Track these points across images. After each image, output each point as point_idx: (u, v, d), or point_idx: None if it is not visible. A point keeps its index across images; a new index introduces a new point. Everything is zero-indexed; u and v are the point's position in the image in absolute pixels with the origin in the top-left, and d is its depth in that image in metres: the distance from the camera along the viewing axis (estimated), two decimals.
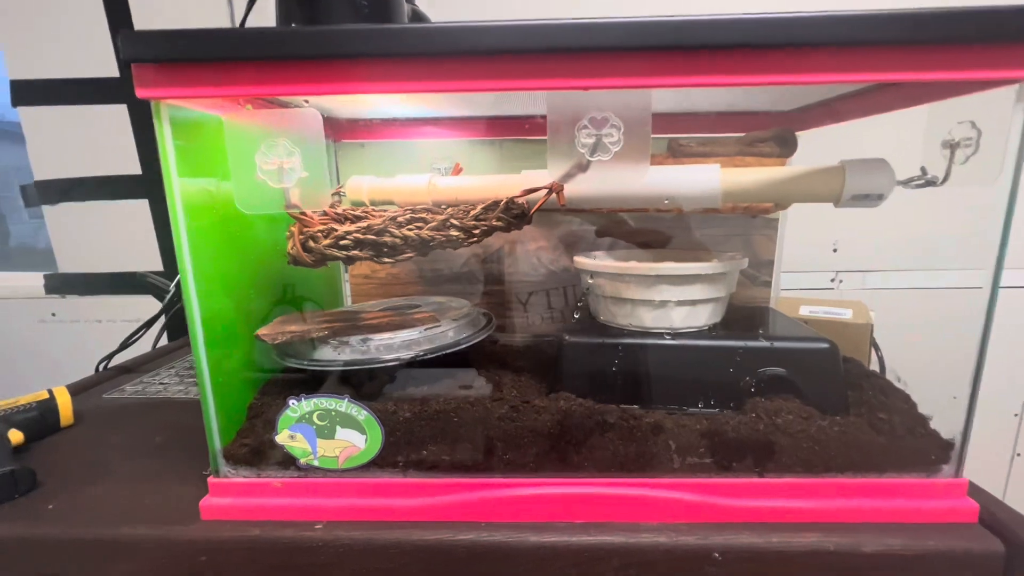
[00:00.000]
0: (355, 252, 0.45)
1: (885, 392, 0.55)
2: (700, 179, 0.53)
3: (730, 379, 0.55)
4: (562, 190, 0.47)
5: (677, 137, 0.74)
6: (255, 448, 0.50)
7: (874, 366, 0.80)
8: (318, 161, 0.43)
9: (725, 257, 0.61)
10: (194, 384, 0.82)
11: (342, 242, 0.45)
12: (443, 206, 0.55)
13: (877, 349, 0.82)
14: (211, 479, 0.50)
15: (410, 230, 0.46)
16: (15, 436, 0.62)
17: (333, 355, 0.52)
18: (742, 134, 0.75)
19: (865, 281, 1.27)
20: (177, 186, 0.44)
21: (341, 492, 0.49)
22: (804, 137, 0.73)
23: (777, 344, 0.55)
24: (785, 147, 0.73)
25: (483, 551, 0.46)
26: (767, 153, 0.70)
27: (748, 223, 0.82)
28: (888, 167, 0.49)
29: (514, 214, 0.50)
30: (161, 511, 0.50)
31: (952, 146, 0.47)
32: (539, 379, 0.61)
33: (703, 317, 0.58)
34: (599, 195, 0.53)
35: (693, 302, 0.57)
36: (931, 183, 0.49)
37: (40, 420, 0.65)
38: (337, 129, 0.78)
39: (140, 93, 0.41)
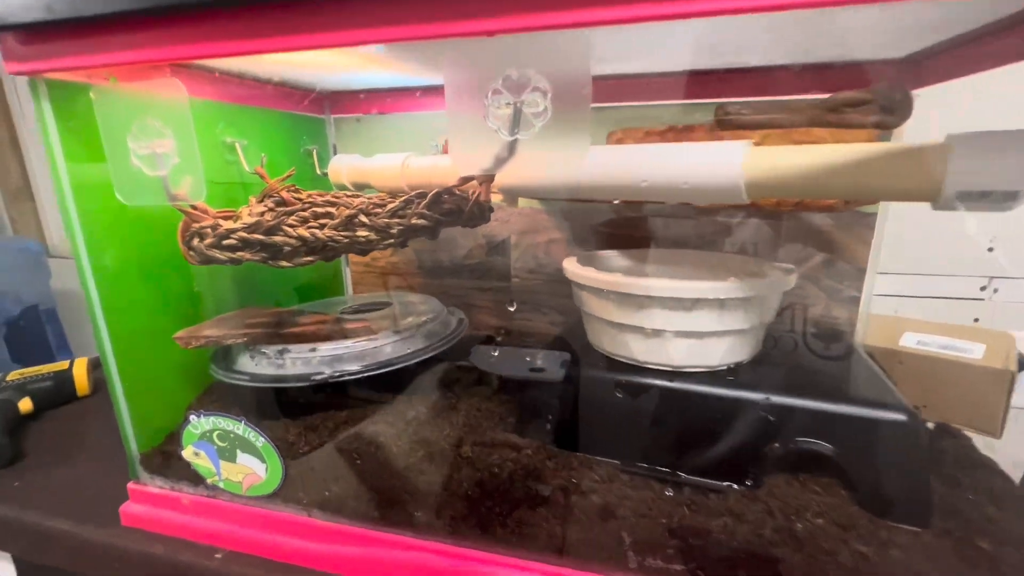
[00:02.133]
0: (241, 254, 0.38)
1: (1000, 500, 0.35)
2: (711, 163, 0.37)
3: (745, 447, 0.40)
4: (487, 181, 0.34)
5: (726, 102, 0.56)
6: (169, 458, 0.46)
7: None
8: (187, 143, 0.36)
9: (758, 273, 0.43)
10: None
11: (226, 242, 0.37)
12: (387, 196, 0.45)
13: None
14: (130, 485, 0.48)
15: (307, 230, 0.38)
16: (25, 405, 0.66)
17: (250, 366, 0.45)
18: (826, 95, 0.54)
19: None
20: (63, 167, 0.39)
21: (244, 521, 0.44)
22: (925, 97, 0.51)
23: (820, 406, 0.38)
24: (892, 112, 0.51)
25: None
26: (856, 124, 0.50)
27: (835, 220, 0.61)
28: None
29: (445, 210, 0.38)
30: (97, 508, 0.49)
31: None
32: (514, 411, 0.50)
33: (716, 354, 0.42)
34: (543, 184, 0.39)
35: (700, 334, 0.41)
36: None
37: (54, 390, 0.70)
38: (332, 103, 0.72)
39: (11, 68, 0.37)
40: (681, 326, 0.41)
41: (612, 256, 0.58)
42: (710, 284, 0.39)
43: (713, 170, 0.37)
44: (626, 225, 0.65)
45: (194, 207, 0.39)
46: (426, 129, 0.73)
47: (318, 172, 0.70)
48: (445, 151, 0.64)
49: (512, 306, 0.58)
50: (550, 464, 0.40)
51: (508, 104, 0.29)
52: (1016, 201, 0.29)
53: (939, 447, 0.43)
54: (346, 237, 0.38)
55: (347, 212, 0.38)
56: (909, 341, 0.61)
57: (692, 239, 0.63)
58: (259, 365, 0.45)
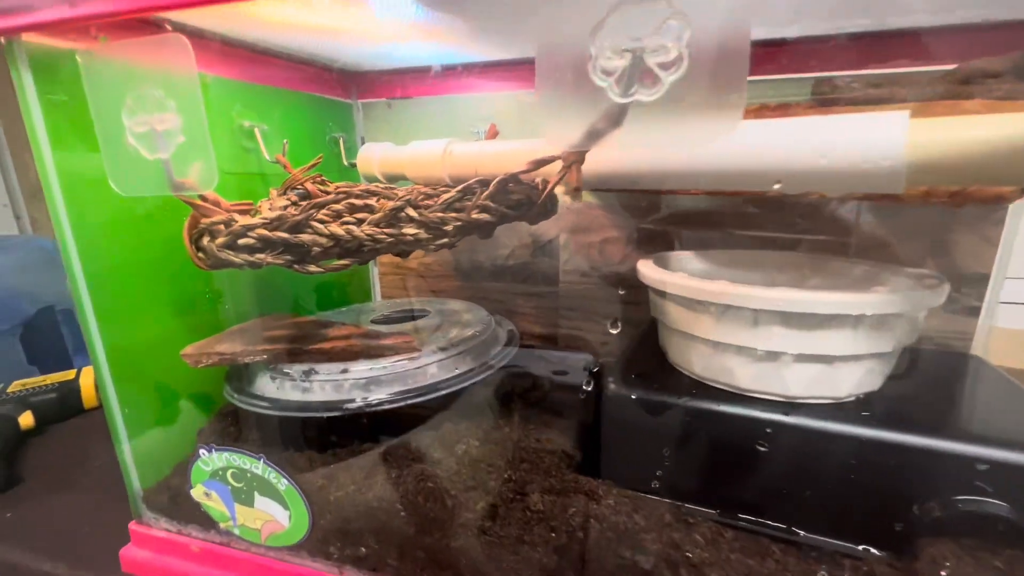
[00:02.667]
0: (261, 256, 0.30)
1: None
2: (862, 139, 0.29)
3: (888, 503, 0.31)
4: (578, 162, 0.26)
5: (832, 76, 0.47)
6: (177, 495, 0.39)
7: None
8: (194, 119, 0.28)
9: (907, 283, 0.35)
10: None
11: (242, 241, 0.30)
12: (439, 187, 0.37)
13: None
14: (132, 525, 0.41)
15: (342, 226, 0.30)
16: (26, 420, 0.60)
17: (272, 390, 0.38)
18: (953, 66, 0.45)
19: None
20: (47, 148, 0.32)
21: (263, 575, 0.37)
22: None
23: (989, 452, 0.29)
24: None
25: None
26: (1003, 96, 0.40)
27: (949, 214, 0.51)
28: None
29: (513, 201, 0.31)
30: (96, 549, 0.42)
31: None
32: (576, 444, 0.42)
33: (847, 383, 0.34)
34: (649, 168, 0.31)
35: (830, 358, 0.33)
36: None
37: (59, 402, 0.64)
38: (360, 85, 0.64)
39: None
40: (806, 348, 0.32)
41: (689, 258, 0.50)
42: (853, 297, 0.30)
43: (864, 149, 0.29)
44: (698, 220, 0.57)
45: (203, 198, 0.32)
46: (466, 114, 0.65)
47: (345, 163, 0.63)
48: (490, 136, 0.56)
49: (616, 327, 0.50)
50: (639, 519, 0.32)
51: (625, 51, 0.21)
52: None
53: None
54: (389, 235, 0.30)
55: (391, 205, 0.30)
56: None
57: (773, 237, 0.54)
58: (281, 389, 0.38)
